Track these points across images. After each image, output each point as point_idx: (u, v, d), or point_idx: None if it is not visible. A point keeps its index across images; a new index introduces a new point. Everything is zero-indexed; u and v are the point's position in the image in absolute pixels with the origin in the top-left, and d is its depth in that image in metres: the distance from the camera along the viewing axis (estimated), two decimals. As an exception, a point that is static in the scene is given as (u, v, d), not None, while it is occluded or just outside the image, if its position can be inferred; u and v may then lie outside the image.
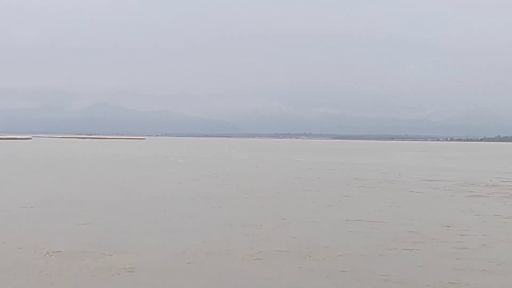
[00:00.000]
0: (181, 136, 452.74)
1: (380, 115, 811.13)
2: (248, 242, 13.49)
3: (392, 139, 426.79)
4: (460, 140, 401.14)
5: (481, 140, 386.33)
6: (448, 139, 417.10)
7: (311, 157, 72.03)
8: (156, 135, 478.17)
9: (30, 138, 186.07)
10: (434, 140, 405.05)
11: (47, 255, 11.80)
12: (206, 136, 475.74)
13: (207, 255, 12.10)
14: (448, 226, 16.25)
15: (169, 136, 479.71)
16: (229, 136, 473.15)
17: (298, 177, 35.99)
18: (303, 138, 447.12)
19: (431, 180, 33.78)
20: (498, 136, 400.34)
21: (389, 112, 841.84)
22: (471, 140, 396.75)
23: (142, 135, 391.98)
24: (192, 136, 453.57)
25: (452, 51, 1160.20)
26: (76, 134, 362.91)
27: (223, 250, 12.59)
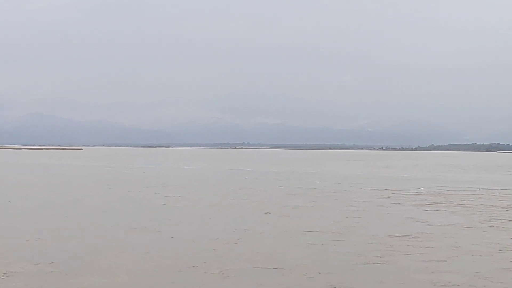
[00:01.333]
0: (119, 146, 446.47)
1: (318, 125, 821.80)
2: (214, 257, 13.26)
3: (330, 148, 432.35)
4: (395, 149, 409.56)
5: (416, 149, 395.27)
6: (384, 148, 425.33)
7: (258, 167, 72.26)
8: (93, 145, 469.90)
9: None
10: (370, 149, 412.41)
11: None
12: (145, 146, 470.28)
13: (177, 273, 11.79)
14: (405, 236, 16.41)
15: (107, 146, 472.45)
16: (168, 146, 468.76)
17: (251, 187, 35.93)
18: (241, 148, 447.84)
19: (378, 190, 34.22)
20: (432, 145, 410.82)
21: (327, 122, 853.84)
22: (406, 149, 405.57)
23: (79, 145, 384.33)
24: (130, 146, 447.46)
25: (387, 62, 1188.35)
26: (10, 145, 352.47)
27: (190, 267, 12.33)
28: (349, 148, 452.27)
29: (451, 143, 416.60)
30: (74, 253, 13.65)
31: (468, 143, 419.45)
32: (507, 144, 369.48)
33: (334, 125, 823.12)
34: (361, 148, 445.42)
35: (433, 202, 27.13)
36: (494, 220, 20.55)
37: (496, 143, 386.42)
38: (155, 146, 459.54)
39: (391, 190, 34.65)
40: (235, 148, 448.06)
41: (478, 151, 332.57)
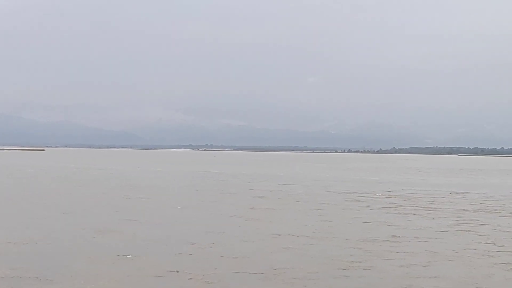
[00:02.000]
0: (82, 148, 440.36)
1: (282, 127, 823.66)
2: (193, 262, 13.20)
3: (293, 150, 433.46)
4: (357, 151, 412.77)
5: (378, 151, 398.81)
6: (346, 151, 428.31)
7: (227, 169, 72.30)
8: (56, 146, 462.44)
9: None
10: (333, 152, 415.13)
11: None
12: (108, 147, 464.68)
13: (159, 279, 11.70)
14: (380, 240, 16.56)
15: (69, 147, 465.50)
16: (131, 148, 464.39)
17: (219, 190, 35.84)
18: (204, 150, 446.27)
19: (347, 193, 34.44)
20: (394, 148, 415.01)
21: (291, 124, 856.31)
22: (368, 151, 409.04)
23: (41, 146, 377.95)
24: (93, 147, 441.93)
25: (352, 64, 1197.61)
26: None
27: (171, 271, 12.24)
28: (312, 150, 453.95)
29: (413, 146, 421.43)
30: (49, 258, 13.48)
31: (429, 146, 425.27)
32: (468, 148, 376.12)
33: (298, 127, 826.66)
34: (324, 150, 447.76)
35: (402, 206, 27.48)
36: (464, 224, 20.88)
37: (457, 146, 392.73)
38: (118, 148, 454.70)
39: (359, 193, 34.95)
40: (198, 150, 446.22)
41: (439, 154, 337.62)
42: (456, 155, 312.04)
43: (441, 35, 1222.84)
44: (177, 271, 12.23)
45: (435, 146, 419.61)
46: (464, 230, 19.46)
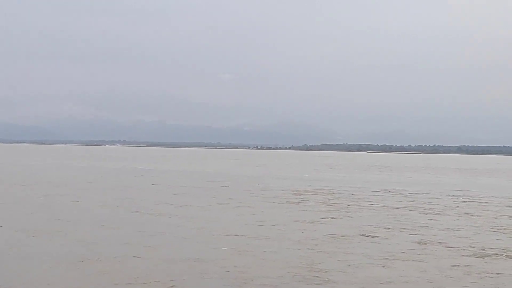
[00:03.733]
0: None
1: (196, 123, 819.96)
2: (149, 266, 12.91)
3: (206, 146, 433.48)
4: (270, 148, 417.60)
5: (290, 148, 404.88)
6: (259, 147, 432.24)
7: (154, 165, 71.92)
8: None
9: None
10: (246, 148, 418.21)
11: None
12: (18, 142, 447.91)
13: (124, 286, 11.43)
14: (326, 243, 16.84)
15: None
16: (42, 143, 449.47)
17: (140, 187, 35.26)
18: (117, 145, 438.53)
19: (273, 190, 34.72)
20: (305, 144, 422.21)
21: (205, 120, 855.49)
22: (280, 148, 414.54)
23: None
24: (2, 142, 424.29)
25: (265, 63, 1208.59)
26: None
27: (133, 278, 11.96)
28: (225, 146, 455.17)
29: (324, 143, 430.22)
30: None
31: (340, 143, 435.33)
32: (377, 145, 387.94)
33: (212, 124, 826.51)
34: (237, 147, 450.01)
35: (326, 203, 28.00)
36: (395, 221, 21.54)
37: (367, 143, 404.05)
38: (28, 143, 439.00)
39: (293, 190, 35.28)
40: (111, 145, 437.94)
41: (350, 151, 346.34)
42: (366, 152, 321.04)
43: (353, 33, 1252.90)
44: (137, 277, 11.95)
45: (345, 143, 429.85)
46: (405, 230, 20.07)
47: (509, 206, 29.12)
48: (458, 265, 13.91)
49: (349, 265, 13.64)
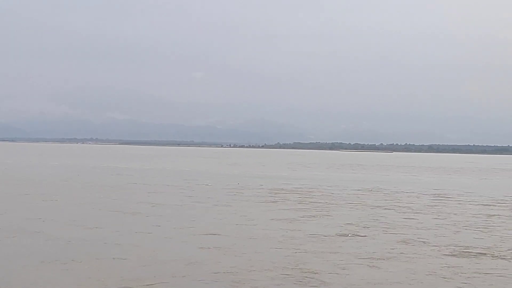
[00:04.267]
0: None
1: (168, 121, 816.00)
2: (135, 268, 12.73)
3: (179, 145, 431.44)
4: (243, 146, 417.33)
5: (263, 147, 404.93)
6: (232, 146, 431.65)
7: (128, 164, 71.54)
8: None
9: None
10: (219, 146, 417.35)
11: None
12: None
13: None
14: (316, 243, 16.76)
15: None
16: (13, 141, 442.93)
17: (115, 185, 34.91)
18: (89, 143, 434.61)
19: (254, 189, 34.58)
20: (278, 143, 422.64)
21: (177, 118, 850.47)
22: (253, 146, 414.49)
23: None
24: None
25: (238, 62, 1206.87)
26: None
27: (124, 280, 11.75)
28: (198, 145, 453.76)
29: (296, 141, 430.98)
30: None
31: (312, 141, 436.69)
32: (349, 143, 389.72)
33: (185, 122, 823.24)
34: (210, 145, 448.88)
35: (304, 202, 27.96)
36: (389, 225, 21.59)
37: (339, 142, 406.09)
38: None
39: (271, 189, 35.18)
40: (83, 143, 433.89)
41: (322, 149, 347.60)
42: (338, 150, 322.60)
43: (321, 34, 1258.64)
44: (131, 279, 11.76)
45: (318, 141, 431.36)
46: (388, 232, 20.09)
47: (486, 205, 29.42)
48: (447, 266, 13.93)
49: (337, 265, 13.56)
